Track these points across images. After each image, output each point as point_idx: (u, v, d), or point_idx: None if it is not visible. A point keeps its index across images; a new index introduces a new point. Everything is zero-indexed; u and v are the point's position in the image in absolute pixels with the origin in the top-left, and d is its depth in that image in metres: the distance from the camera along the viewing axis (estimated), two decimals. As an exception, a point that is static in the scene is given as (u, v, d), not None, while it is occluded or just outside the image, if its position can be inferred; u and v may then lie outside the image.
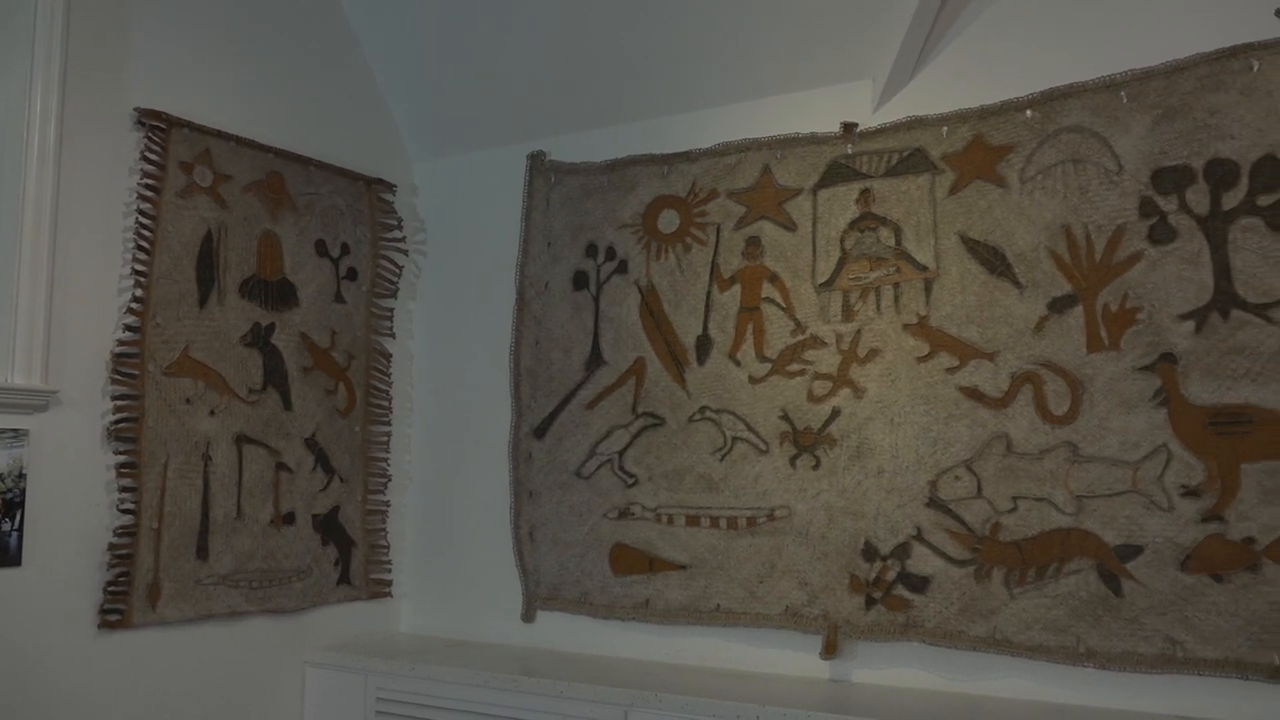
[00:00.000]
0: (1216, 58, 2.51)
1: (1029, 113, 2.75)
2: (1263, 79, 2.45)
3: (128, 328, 2.84)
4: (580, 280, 3.43)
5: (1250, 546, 2.37)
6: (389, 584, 3.61)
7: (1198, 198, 2.51)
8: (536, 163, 3.57)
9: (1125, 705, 2.50)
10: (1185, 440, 2.46)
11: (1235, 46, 2.48)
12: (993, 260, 2.75)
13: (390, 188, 3.72)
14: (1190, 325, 2.48)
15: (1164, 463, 2.48)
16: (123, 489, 2.80)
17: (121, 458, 2.81)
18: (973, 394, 2.74)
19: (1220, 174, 2.48)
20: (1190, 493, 2.45)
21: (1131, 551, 2.50)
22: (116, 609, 2.77)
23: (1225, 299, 2.45)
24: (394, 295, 3.72)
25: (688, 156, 3.27)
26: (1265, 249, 2.41)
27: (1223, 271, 2.46)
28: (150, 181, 2.91)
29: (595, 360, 3.36)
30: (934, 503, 2.76)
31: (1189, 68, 2.54)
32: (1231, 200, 2.47)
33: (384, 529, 3.62)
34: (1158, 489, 2.48)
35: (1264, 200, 2.43)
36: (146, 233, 2.89)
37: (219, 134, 3.09)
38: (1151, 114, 2.58)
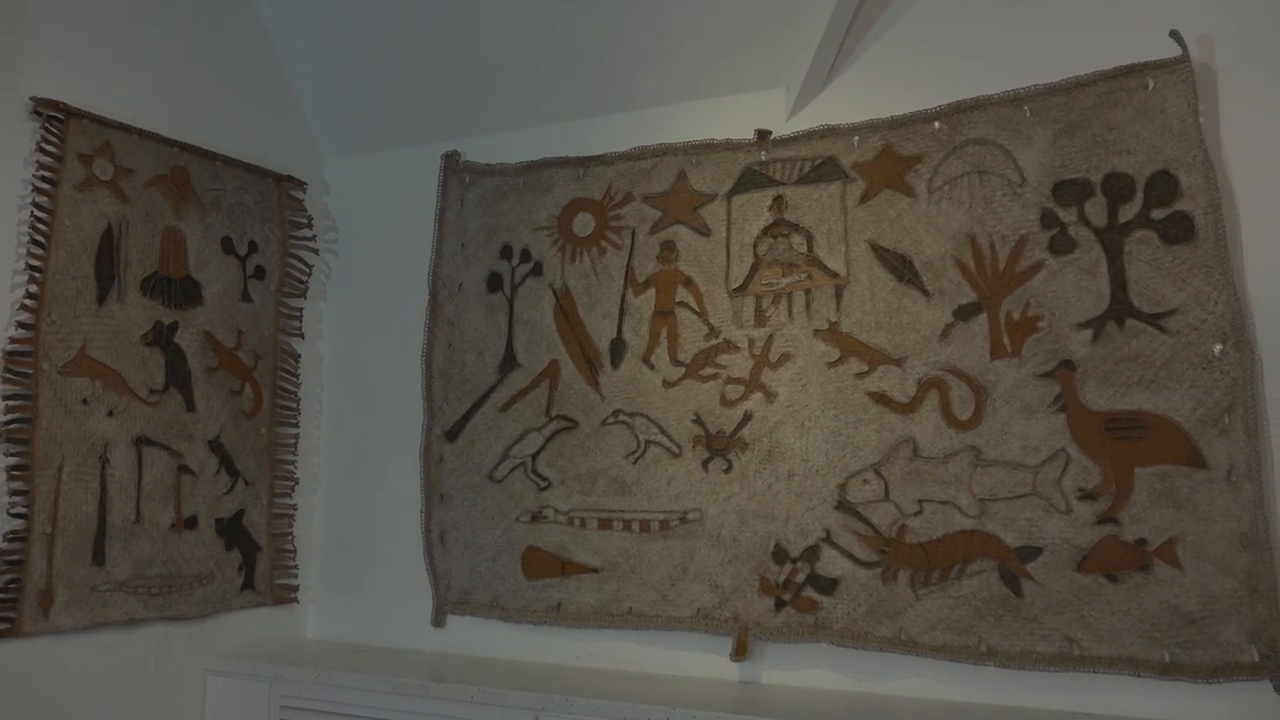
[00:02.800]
0: (1115, 75, 2.60)
1: (937, 124, 2.81)
2: (1157, 97, 2.54)
3: (21, 325, 2.73)
4: (494, 282, 3.40)
5: (1143, 547, 2.45)
6: (295, 589, 3.54)
7: (1096, 210, 2.59)
8: (451, 163, 3.54)
9: (1025, 703, 2.57)
10: (1082, 445, 2.54)
11: (1132, 65, 2.57)
12: (901, 268, 2.81)
13: (301, 185, 3.64)
14: (1088, 333, 2.56)
15: (1062, 466, 2.55)
16: (14, 492, 2.69)
17: (13, 460, 2.69)
18: (881, 399, 2.79)
19: (1117, 188, 2.57)
20: (1087, 496, 2.52)
21: (1031, 553, 2.56)
22: (6, 617, 2.65)
23: (1121, 308, 2.53)
24: (303, 295, 3.65)
25: (603, 160, 3.27)
26: (1158, 261, 2.50)
27: (1119, 282, 2.54)
28: (46, 174, 2.80)
29: (509, 363, 3.33)
30: (843, 505, 2.80)
31: (1089, 84, 2.62)
32: (1127, 213, 2.55)
33: (290, 533, 3.54)
34: (1056, 492, 2.56)
35: (1158, 214, 2.51)
36: (42, 226, 2.78)
37: (121, 126, 2.99)
38: (1053, 128, 2.66)
